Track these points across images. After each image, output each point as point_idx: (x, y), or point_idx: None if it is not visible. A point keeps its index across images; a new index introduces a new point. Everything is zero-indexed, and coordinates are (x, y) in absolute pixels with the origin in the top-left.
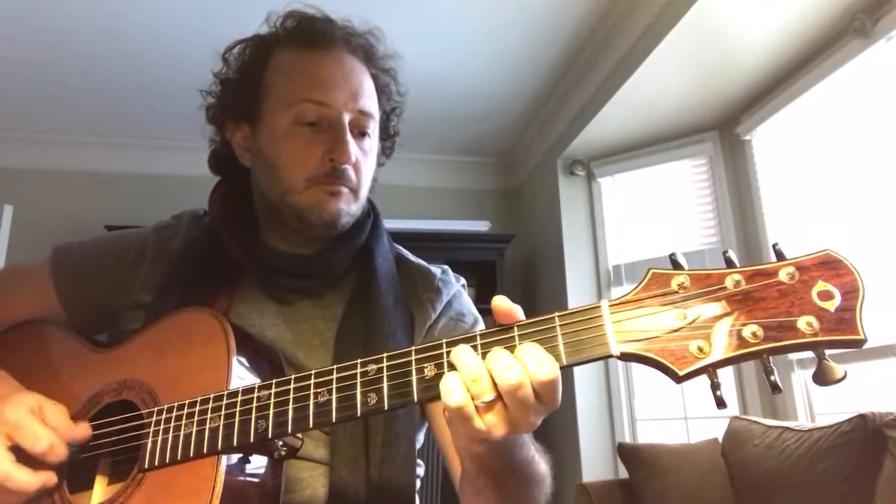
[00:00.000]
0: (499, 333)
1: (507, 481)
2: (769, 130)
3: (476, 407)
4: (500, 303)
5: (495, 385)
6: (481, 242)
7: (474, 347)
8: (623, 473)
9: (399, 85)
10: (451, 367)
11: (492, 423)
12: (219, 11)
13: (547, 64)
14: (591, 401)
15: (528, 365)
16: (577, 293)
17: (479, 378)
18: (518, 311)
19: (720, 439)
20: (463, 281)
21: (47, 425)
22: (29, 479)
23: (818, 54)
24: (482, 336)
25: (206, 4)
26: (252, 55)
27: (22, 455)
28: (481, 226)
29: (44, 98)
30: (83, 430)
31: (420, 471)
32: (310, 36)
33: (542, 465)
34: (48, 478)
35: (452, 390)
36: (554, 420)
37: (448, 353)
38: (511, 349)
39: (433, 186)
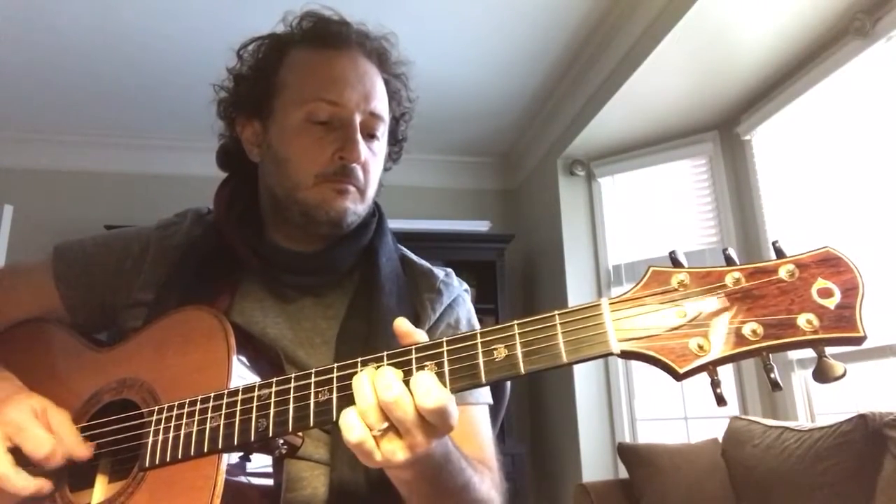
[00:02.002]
0: (499, 332)
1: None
2: (769, 130)
3: (374, 437)
4: (401, 325)
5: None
6: (481, 242)
7: (474, 346)
8: (623, 473)
9: (410, 91)
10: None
11: (388, 451)
12: (219, 13)
13: (547, 64)
14: (591, 401)
15: (417, 393)
16: (577, 293)
17: (370, 409)
18: (417, 335)
19: (720, 439)
20: (466, 286)
21: (51, 432)
22: (25, 484)
23: (818, 54)
24: (483, 335)
25: (207, 6)
26: (267, 53)
27: (21, 456)
28: (481, 226)
29: (44, 98)
30: (85, 451)
31: None
32: (325, 36)
33: (480, 490)
34: (44, 484)
35: (350, 426)
36: (554, 420)
37: (448, 352)
38: (408, 372)
39: (433, 186)
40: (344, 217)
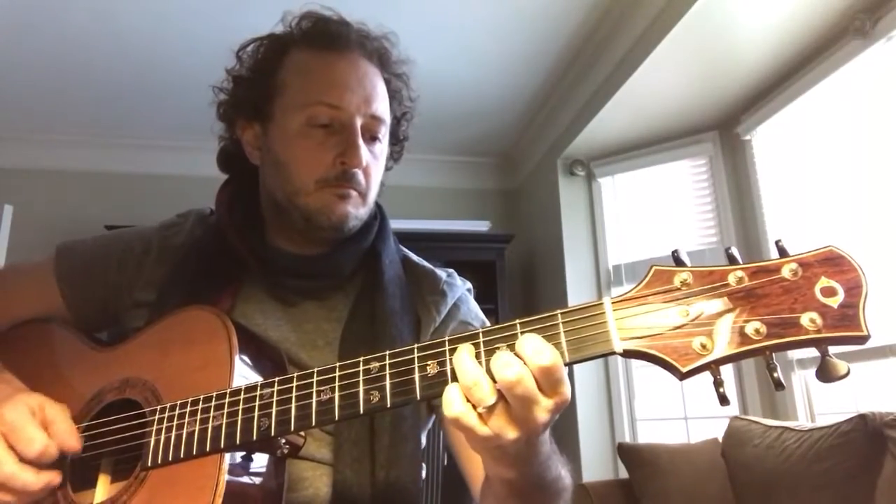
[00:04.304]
0: (502, 330)
1: (536, 499)
2: (769, 130)
3: (479, 413)
4: None
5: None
6: (481, 242)
7: (476, 345)
8: (623, 473)
9: (411, 90)
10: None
11: (498, 427)
12: (219, 14)
13: (547, 64)
14: (591, 401)
15: (527, 353)
16: (577, 293)
17: (477, 383)
18: None
19: (720, 439)
20: (469, 285)
21: (46, 427)
22: (33, 479)
23: (818, 54)
24: (485, 334)
25: (206, 7)
26: (266, 54)
27: None
28: (481, 226)
29: (44, 98)
30: (75, 442)
31: (422, 472)
32: (325, 38)
33: (566, 478)
34: (52, 477)
35: (450, 401)
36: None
37: (451, 350)
38: (513, 346)
39: (433, 186)
40: (345, 222)
